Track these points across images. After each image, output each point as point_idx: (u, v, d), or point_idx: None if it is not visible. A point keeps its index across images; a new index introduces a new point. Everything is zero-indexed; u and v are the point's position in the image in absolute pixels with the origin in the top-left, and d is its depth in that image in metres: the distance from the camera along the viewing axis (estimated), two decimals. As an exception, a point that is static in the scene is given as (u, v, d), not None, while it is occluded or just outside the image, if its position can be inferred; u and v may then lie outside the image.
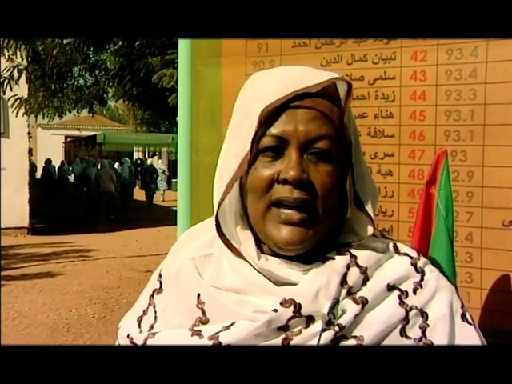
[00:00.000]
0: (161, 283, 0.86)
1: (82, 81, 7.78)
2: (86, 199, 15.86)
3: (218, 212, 0.77)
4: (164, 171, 19.82)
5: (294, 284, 0.75)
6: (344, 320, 0.72)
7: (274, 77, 0.76)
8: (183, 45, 1.83)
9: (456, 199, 1.37)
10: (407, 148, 1.52)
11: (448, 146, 1.41)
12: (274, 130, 0.73)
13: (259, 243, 0.78)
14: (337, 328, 0.72)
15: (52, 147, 28.27)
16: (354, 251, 0.78)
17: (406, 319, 0.75)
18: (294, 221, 0.73)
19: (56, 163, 21.37)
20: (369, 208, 0.77)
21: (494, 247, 1.40)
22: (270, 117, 0.73)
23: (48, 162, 19.89)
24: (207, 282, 0.79)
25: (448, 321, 0.75)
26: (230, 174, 0.75)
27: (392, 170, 1.54)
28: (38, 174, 22.60)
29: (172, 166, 19.82)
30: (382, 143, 1.55)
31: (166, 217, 12.06)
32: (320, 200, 0.73)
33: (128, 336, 0.82)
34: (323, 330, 0.71)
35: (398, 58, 1.52)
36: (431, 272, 0.80)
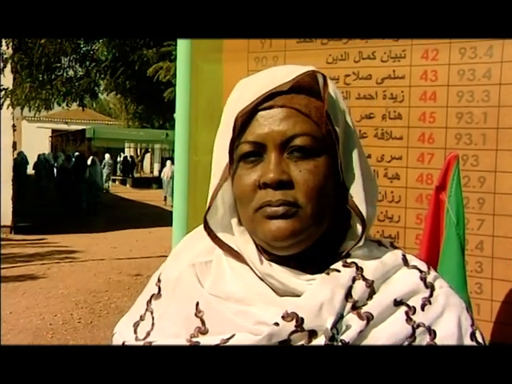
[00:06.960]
0: (159, 288, 0.87)
1: (71, 72, 7.79)
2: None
3: (207, 222, 0.82)
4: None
5: (297, 294, 0.76)
6: (347, 336, 0.73)
7: (252, 82, 0.79)
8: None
9: (466, 206, 1.39)
10: (416, 151, 1.53)
11: (459, 149, 1.43)
12: (250, 135, 0.76)
13: (260, 251, 0.80)
14: (340, 344, 0.72)
15: (38, 141, 28.15)
16: (360, 263, 0.78)
17: (413, 336, 0.76)
18: (280, 214, 0.74)
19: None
20: (360, 204, 0.77)
21: (505, 257, 1.41)
22: (245, 122, 0.76)
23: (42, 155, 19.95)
24: (207, 290, 0.81)
25: (456, 340, 0.77)
26: (215, 185, 0.79)
27: (399, 174, 1.56)
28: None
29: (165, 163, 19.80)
30: (389, 145, 1.57)
31: (160, 217, 12.06)
32: (305, 199, 0.74)
33: (123, 344, 0.83)
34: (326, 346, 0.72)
35: (408, 56, 1.53)
36: (441, 288, 0.80)
